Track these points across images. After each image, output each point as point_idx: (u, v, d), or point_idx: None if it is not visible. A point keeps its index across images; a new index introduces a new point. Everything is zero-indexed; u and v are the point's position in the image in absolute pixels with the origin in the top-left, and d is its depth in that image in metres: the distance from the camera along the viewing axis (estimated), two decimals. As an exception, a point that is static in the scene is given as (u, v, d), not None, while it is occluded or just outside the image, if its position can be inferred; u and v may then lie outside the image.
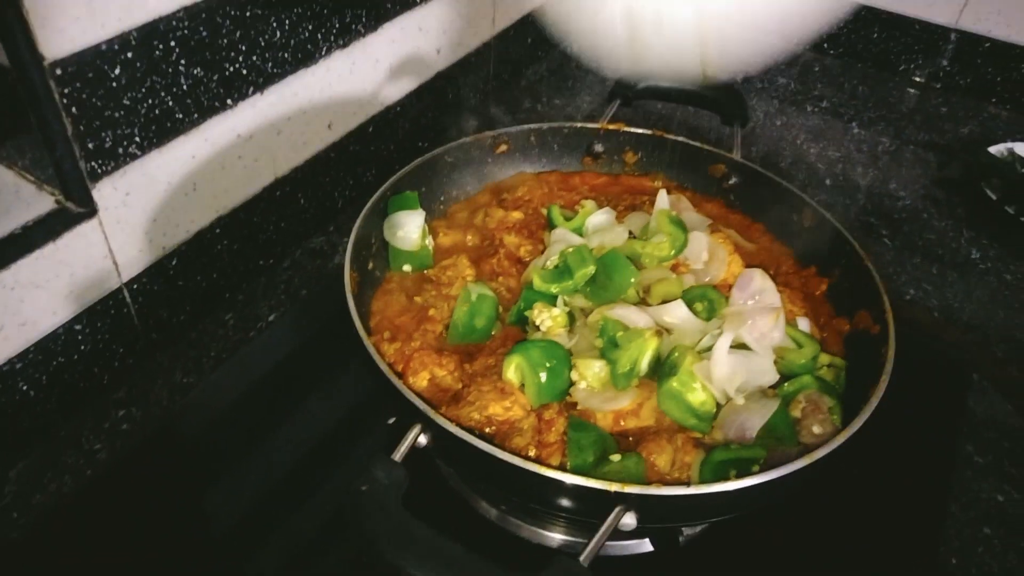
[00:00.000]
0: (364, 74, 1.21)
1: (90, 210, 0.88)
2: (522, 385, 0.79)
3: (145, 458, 0.93)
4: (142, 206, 0.94)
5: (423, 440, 0.69)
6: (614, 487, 0.64)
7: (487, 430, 0.75)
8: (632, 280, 0.86)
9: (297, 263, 1.21)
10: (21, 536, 0.85)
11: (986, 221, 1.39)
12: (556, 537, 0.85)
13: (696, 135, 1.13)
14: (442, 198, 1.06)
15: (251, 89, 1.02)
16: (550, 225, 0.99)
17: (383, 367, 0.73)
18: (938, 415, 1.02)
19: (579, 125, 1.12)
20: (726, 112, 1.15)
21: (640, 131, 1.12)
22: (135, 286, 0.98)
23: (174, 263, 1.02)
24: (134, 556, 0.83)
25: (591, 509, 0.66)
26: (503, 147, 1.09)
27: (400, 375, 0.79)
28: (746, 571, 0.87)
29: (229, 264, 1.11)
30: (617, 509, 0.64)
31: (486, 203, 1.06)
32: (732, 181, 1.08)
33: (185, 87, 0.93)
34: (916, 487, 0.94)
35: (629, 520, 0.64)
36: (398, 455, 0.67)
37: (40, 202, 0.87)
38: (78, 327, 0.93)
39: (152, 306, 1.02)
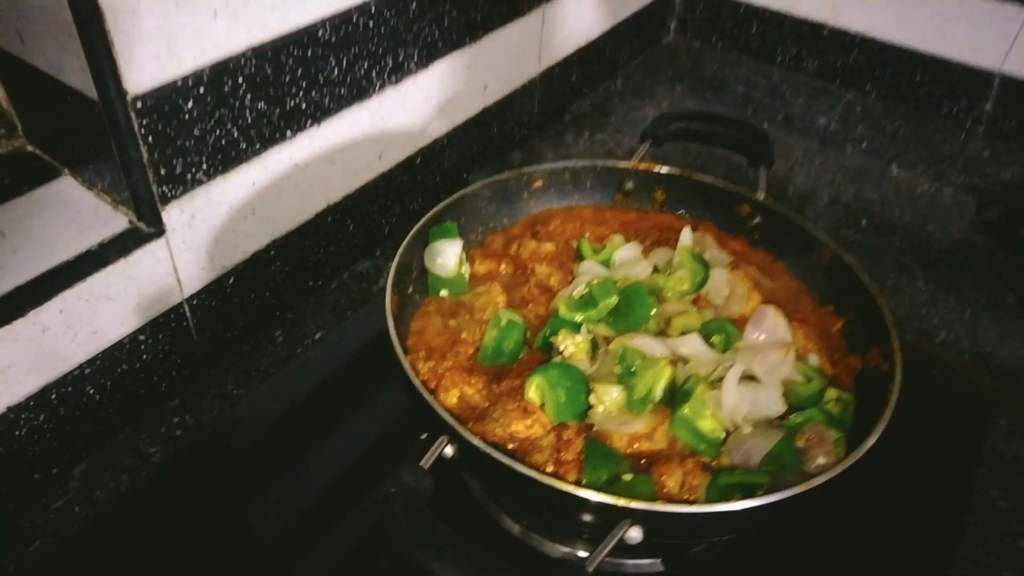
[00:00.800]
0: (414, 109, 1.27)
1: (159, 230, 0.96)
2: (543, 405, 0.83)
3: (196, 463, 1.00)
4: (205, 228, 1.02)
5: (449, 451, 0.75)
6: (621, 502, 0.69)
7: (509, 446, 0.80)
8: (651, 312, 0.91)
9: (344, 285, 1.28)
10: (82, 529, 0.92)
11: (1024, 266, 1.39)
12: (576, 553, 0.89)
13: (731, 171, 1.17)
14: (480, 228, 1.12)
15: (309, 122, 1.09)
16: (579, 257, 1.05)
17: (416, 383, 0.79)
18: (953, 455, 1.03)
19: (611, 164, 1.17)
20: (752, 154, 1.18)
21: (669, 171, 1.16)
22: (195, 302, 1.05)
23: (231, 282, 1.09)
24: (180, 556, 0.89)
25: (600, 522, 0.71)
26: (538, 183, 1.15)
27: (432, 392, 0.85)
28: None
29: (281, 284, 1.18)
30: (623, 522, 0.69)
31: (520, 235, 1.11)
32: (756, 220, 1.12)
33: (249, 120, 1.00)
34: (927, 525, 0.96)
35: (635, 534, 0.69)
36: (426, 463, 0.73)
37: (115, 221, 0.94)
38: (142, 338, 1.00)
39: (209, 321, 1.08)
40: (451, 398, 0.85)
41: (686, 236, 1.01)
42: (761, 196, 1.11)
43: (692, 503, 0.76)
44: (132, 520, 0.93)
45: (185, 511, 0.94)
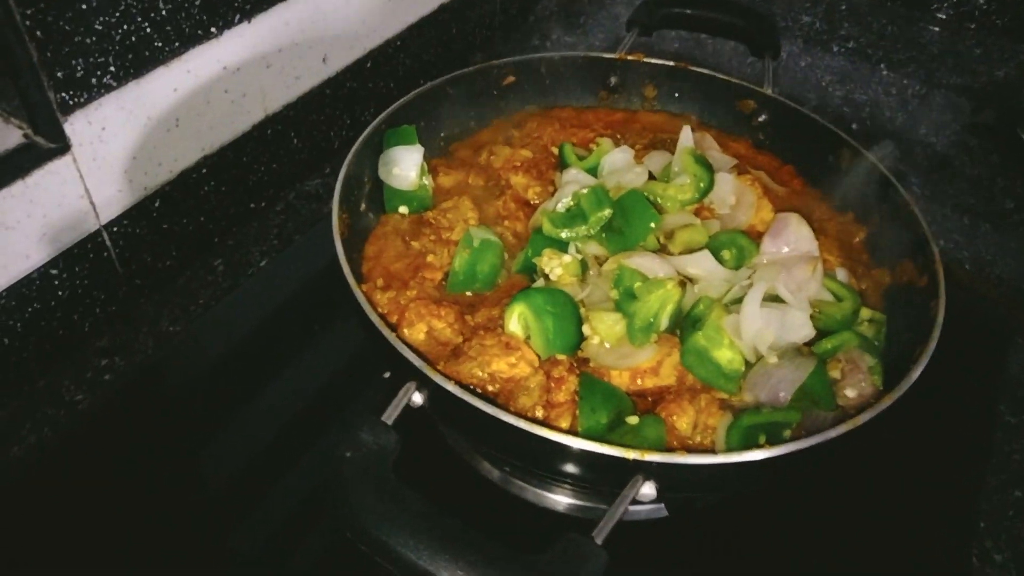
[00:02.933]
0: (362, 4, 1.13)
1: (62, 145, 0.82)
2: (528, 338, 0.72)
3: (128, 409, 0.90)
4: (120, 142, 0.88)
5: (418, 399, 0.64)
6: (632, 454, 0.58)
7: (490, 388, 0.70)
8: (652, 225, 0.79)
9: (290, 206, 1.15)
10: (-2, 490, 0.81)
11: (1021, 169, 1.31)
12: (563, 500, 0.80)
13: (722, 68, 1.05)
14: (443, 134, 0.99)
15: (237, 16, 0.95)
16: (562, 164, 0.92)
17: (374, 319, 0.67)
18: (977, 376, 0.96)
19: (594, 55, 1.04)
20: (756, 41, 1.06)
21: (661, 62, 1.04)
22: (115, 228, 0.92)
23: (157, 205, 0.96)
24: (114, 511, 0.79)
25: (606, 478, 0.60)
26: (510, 79, 1.01)
27: (394, 327, 0.74)
28: (768, 540, 0.81)
29: (217, 207, 1.05)
30: (635, 479, 0.58)
31: (491, 140, 0.98)
32: (762, 118, 1.01)
33: (164, 12, 0.86)
34: (954, 453, 0.89)
35: (648, 490, 0.59)
36: (389, 417, 0.61)
37: (6, 136, 0.81)
38: (54, 271, 0.87)
39: (135, 250, 0.96)
40: (417, 334, 0.74)
41: (686, 136, 0.88)
42: (769, 89, 0.99)
43: (713, 451, 0.65)
44: (56, 476, 0.83)
45: (116, 465, 0.84)
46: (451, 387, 0.62)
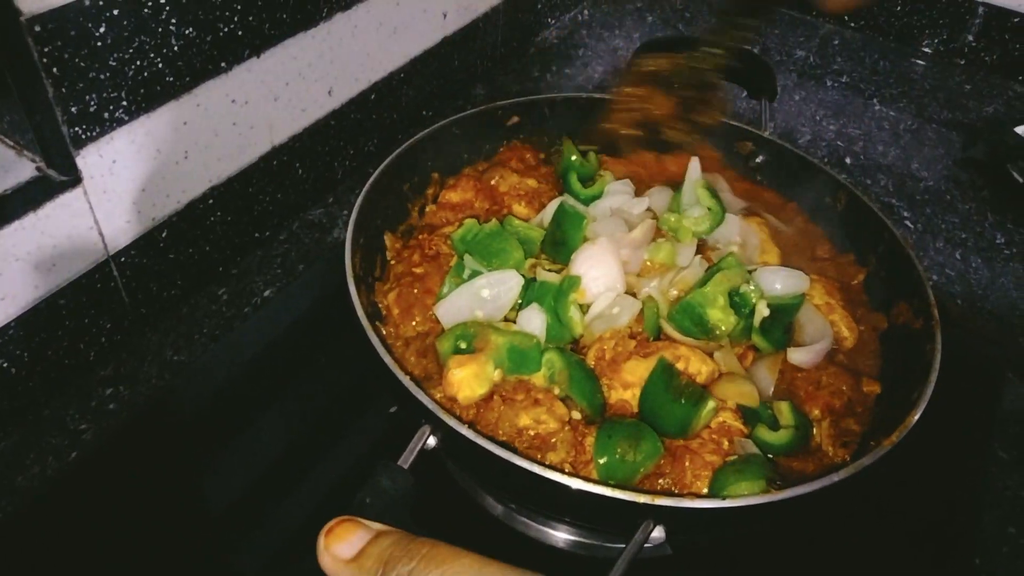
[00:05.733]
0: (367, 38, 1.14)
1: (74, 178, 0.83)
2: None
3: (133, 439, 0.89)
4: (130, 175, 0.89)
5: (432, 441, 0.64)
6: (643, 498, 0.58)
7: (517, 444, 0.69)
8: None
9: (294, 236, 1.16)
10: (2, 519, 0.81)
11: (1012, 204, 1.34)
12: (563, 537, 0.81)
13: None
14: (465, 156, 1.02)
15: (247, 52, 0.96)
16: (567, 189, 0.95)
17: (400, 375, 0.66)
18: (970, 413, 0.97)
19: (597, 96, 1.05)
20: (753, 84, 1.08)
21: None
22: (123, 259, 0.93)
23: (164, 235, 0.97)
24: (118, 540, 0.79)
25: (615, 520, 0.61)
26: (514, 119, 1.03)
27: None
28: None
29: (223, 236, 1.06)
30: (646, 523, 0.59)
31: (506, 160, 1.00)
32: (759, 160, 1.02)
33: (176, 48, 0.87)
34: (950, 489, 0.90)
35: (658, 534, 0.59)
36: (405, 461, 0.61)
37: (20, 169, 0.81)
38: (62, 301, 0.88)
39: (141, 280, 0.97)
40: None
41: (695, 169, 0.89)
42: (767, 132, 1.01)
43: (721, 497, 0.65)
44: (60, 506, 0.83)
45: (121, 494, 0.83)
46: (466, 432, 0.62)
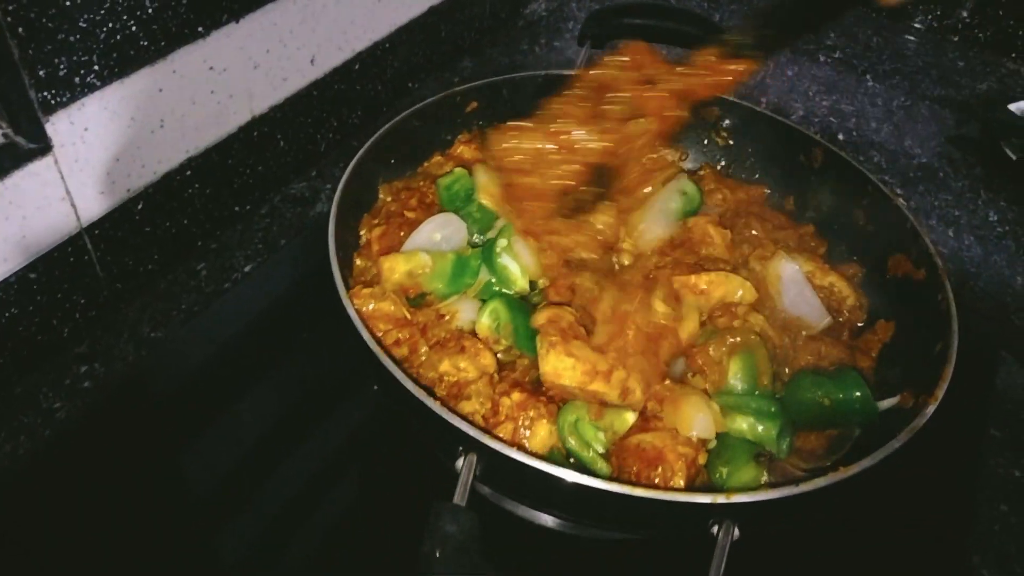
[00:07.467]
0: (351, 4, 1.11)
1: (43, 146, 0.80)
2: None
3: (108, 418, 0.87)
4: (103, 143, 0.86)
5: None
6: (720, 498, 0.54)
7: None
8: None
9: (276, 210, 1.13)
10: (-29, 501, 0.79)
11: (1005, 182, 1.33)
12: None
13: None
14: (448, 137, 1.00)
15: (225, 16, 0.93)
16: None
17: (418, 392, 0.61)
18: (963, 390, 0.95)
19: (555, 73, 1.01)
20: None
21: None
22: (97, 231, 0.90)
23: (140, 207, 0.94)
24: (95, 522, 0.77)
25: (686, 526, 0.58)
26: (473, 104, 1.00)
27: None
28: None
29: (201, 210, 1.03)
30: (726, 524, 0.55)
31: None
32: (726, 123, 1.00)
33: (151, 11, 0.84)
34: (943, 469, 0.88)
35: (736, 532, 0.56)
36: (462, 498, 0.56)
37: (-15, 135, 0.78)
38: (33, 275, 0.85)
39: (116, 254, 0.94)
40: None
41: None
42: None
43: (795, 483, 0.58)
44: (33, 487, 0.81)
45: (94, 474, 0.81)
46: (515, 454, 0.57)
